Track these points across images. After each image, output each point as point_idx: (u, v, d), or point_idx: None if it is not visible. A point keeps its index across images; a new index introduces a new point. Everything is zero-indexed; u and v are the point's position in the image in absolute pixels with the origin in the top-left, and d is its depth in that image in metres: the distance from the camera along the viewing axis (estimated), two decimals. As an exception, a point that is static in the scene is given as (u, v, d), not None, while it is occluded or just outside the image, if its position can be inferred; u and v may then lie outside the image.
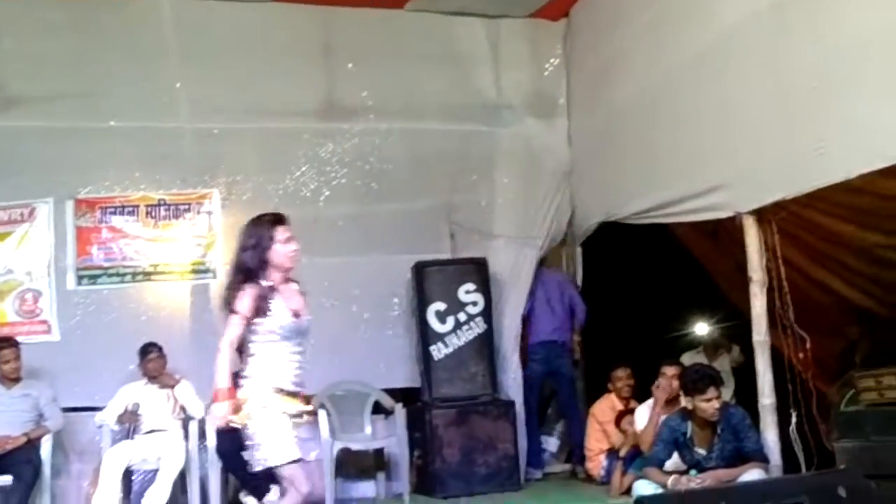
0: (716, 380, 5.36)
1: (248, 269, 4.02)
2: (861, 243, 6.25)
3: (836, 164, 4.82)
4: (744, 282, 5.70)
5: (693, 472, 5.36)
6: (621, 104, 7.05)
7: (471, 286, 7.31)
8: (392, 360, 7.53)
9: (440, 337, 7.22)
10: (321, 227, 7.36)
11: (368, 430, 7.21)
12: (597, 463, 7.00)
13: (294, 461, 3.96)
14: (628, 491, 5.90)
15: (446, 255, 7.67)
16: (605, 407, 7.06)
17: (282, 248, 4.06)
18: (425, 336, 7.24)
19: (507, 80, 8.03)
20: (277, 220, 4.15)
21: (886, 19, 4.43)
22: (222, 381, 3.93)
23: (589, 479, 7.12)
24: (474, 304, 7.30)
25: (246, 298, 3.96)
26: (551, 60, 8.09)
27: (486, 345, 7.29)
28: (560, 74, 8.09)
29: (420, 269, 7.33)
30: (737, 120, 5.61)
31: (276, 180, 7.49)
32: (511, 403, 7.22)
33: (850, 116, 4.71)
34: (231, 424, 3.98)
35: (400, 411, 7.07)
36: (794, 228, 5.88)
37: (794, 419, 5.35)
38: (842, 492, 3.41)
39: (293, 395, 4.07)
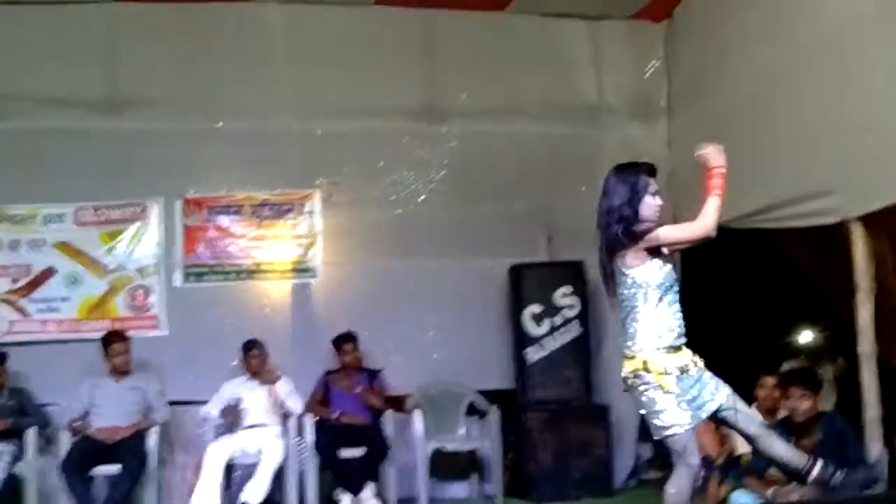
0: (800, 377, 5.24)
1: (625, 217, 3.94)
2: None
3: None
4: (848, 290, 5.54)
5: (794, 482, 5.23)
6: (723, 106, 6.91)
7: (567, 289, 7.29)
8: (487, 361, 7.55)
9: (535, 340, 7.22)
10: (419, 229, 7.50)
11: (462, 430, 7.27)
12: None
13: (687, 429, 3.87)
14: (725, 500, 5.79)
15: (545, 259, 7.66)
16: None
17: (652, 201, 4.00)
18: (520, 338, 7.25)
19: (608, 83, 7.97)
20: (651, 170, 4.10)
21: None
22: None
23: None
24: (571, 307, 7.28)
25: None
26: (652, 62, 7.98)
27: (582, 348, 7.27)
28: (661, 76, 7.97)
29: (517, 271, 7.35)
30: (845, 121, 5.43)
31: (375, 181, 7.58)
32: (605, 408, 7.17)
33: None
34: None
35: (494, 413, 7.09)
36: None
37: (901, 431, 5.18)
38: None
39: (679, 348, 4.01)
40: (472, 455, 7.23)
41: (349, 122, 7.48)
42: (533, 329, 7.24)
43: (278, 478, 6.45)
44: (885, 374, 5.41)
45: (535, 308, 7.26)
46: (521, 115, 7.75)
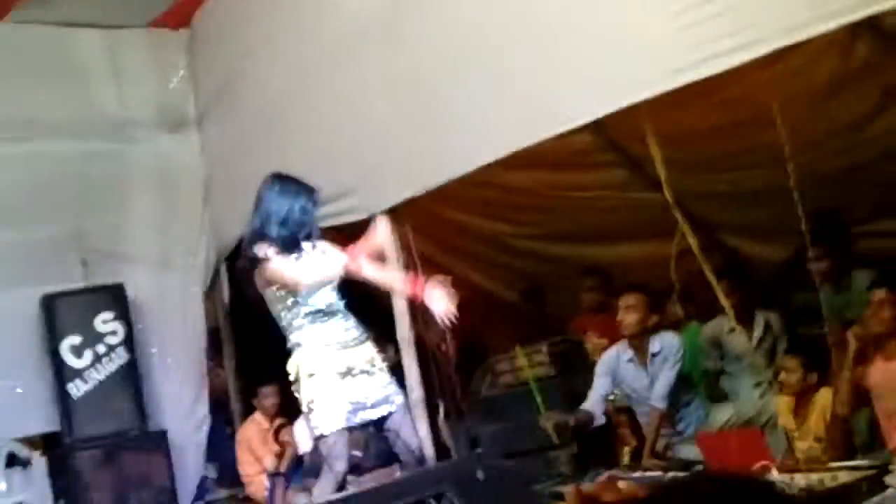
0: None
1: None
2: (490, 233, 6.58)
3: (456, 159, 5.00)
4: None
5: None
6: (252, 111, 6.89)
7: (108, 315, 6.83)
8: (26, 404, 6.85)
9: (78, 373, 6.67)
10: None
11: (3, 485, 6.54)
12: (259, 486, 6.79)
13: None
14: (292, 505, 5.78)
15: (80, 285, 7.11)
16: (253, 430, 6.86)
17: None
18: (61, 374, 6.66)
19: (131, 95, 7.53)
20: None
21: (487, 21, 4.64)
22: None
23: (252, 501, 6.91)
24: (114, 333, 6.82)
25: None
26: (177, 72, 7.74)
27: (131, 375, 6.84)
28: (187, 86, 7.75)
29: (49, 302, 6.73)
30: (362, 120, 5.65)
31: None
32: (163, 434, 6.83)
33: (463, 112, 4.89)
34: None
35: (38, 460, 6.53)
36: (428, 224, 6.04)
37: (441, 410, 5.47)
38: (479, 474, 3.47)
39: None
40: (17, 510, 6.54)
41: None
42: (73, 361, 6.68)
43: None
44: (424, 358, 5.68)
45: (74, 339, 6.70)
46: (38, 133, 7.06)
